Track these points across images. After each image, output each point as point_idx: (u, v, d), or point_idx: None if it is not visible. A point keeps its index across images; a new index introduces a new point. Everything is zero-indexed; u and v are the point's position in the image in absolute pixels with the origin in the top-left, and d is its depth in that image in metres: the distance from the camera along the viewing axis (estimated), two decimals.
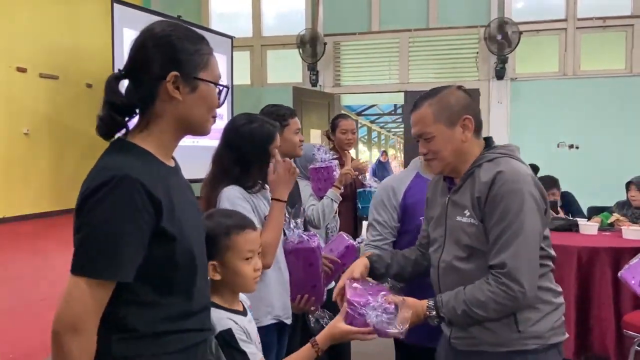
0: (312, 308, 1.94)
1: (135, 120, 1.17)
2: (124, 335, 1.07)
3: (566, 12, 7.27)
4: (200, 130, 1.17)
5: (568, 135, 7.20)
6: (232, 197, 1.76)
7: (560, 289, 1.57)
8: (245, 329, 1.42)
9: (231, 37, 7.13)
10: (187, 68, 1.12)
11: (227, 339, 1.34)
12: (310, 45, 7.63)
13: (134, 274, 1.04)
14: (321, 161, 2.67)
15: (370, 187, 3.15)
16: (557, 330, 1.51)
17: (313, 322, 1.96)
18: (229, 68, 7.08)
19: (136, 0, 6.99)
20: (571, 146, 7.19)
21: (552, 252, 1.54)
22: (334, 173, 2.65)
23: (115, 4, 5.30)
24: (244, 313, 1.48)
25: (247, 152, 1.85)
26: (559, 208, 4.36)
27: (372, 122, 17.77)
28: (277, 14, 8.41)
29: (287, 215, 1.89)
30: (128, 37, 5.49)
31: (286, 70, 8.18)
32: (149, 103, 1.12)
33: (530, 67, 7.49)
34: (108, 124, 1.13)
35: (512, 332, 1.48)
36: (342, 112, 9.92)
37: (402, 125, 14.22)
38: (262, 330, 1.60)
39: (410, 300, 1.49)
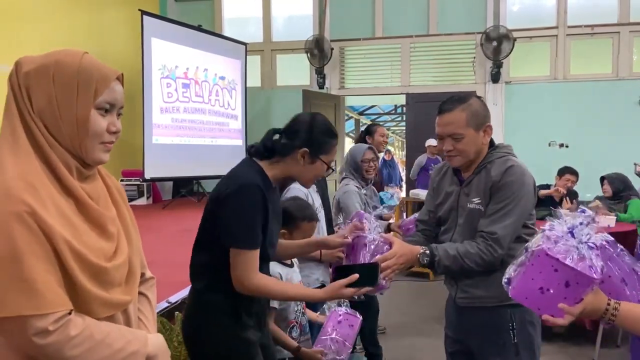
0: None
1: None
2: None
3: (557, 19, 7.68)
4: (301, 184, 1.81)
5: (558, 134, 7.59)
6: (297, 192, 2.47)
7: None
8: (290, 276, 2.12)
9: (245, 44, 7.59)
10: (316, 150, 1.71)
11: None
12: (317, 50, 8.02)
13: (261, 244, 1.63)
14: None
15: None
16: None
17: None
18: (242, 72, 7.56)
19: (154, 10, 7.46)
20: (561, 145, 7.59)
21: (535, 228, 1.82)
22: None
23: (144, 16, 5.78)
24: (290, 265, 2.20)
25: None
26: (566, 198, 4.86)
27: (372, 121, 18.24)
28: (286, 20, 8.81)
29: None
30: (155, 45, 5.97)
31: (295, 73, 8.55)
32: (285, 154, 1.72)
33: (524, 71, 7.89)
34: (257, 153, 1.74)
35: (502, 289, 1.84)
36: (347, 112, 10.37)
37: (403, 124, 14.70)
38: None
39: (404, 243, 1.80)
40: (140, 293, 1.27)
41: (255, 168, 1.71)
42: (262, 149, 1.73)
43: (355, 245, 1.84)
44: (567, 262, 1.12)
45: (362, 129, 4.59)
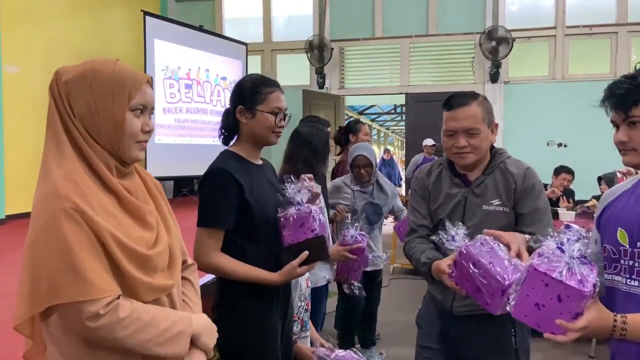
0: (352, 281, 2.55)
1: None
2: None
3: (555, 20, 7.75)
4: (265, 142, 1.79)
5: (557, 134, 7.67)
6: None
7: None
8: None
9: (246, 44, 7.65)
10: (249, 103, 1.74)
11: None
12: (317, 50, 8.09)
13: (231, 225, 1.67)
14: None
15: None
16: None
17: (346, 287, 2.59)
18: (243, 72, 7.61)
19: (155, 10, 7.51)
20: (560, 144, 7.68)
21: None
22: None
23: (147, 17, 5.84)
24: None
25: (315, 149, 2.58)
26: (563, 197, 4.92)
27: (372, 120, 18.29)
28: (286, 20, 8.87)
29: (348, 218, 2.46)
30: (158, 46, 6.03)
31: (295, 73, 8.60)
32: (237, 124, 1.78)
33: (522, 71, 7.97)
34: (225, 138, 1.82)
35: None
36: (346, 112, 10.43)
37: (402, 124, 14.76)
38: (321, 287, 2.49)
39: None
40: (183, 278, 1.38)
41: (227, 154, 1.77)
42: (224, 133, 1.81)
43: (283, 220, 1.77)
44: (555, 275, 1.13)
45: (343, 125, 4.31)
